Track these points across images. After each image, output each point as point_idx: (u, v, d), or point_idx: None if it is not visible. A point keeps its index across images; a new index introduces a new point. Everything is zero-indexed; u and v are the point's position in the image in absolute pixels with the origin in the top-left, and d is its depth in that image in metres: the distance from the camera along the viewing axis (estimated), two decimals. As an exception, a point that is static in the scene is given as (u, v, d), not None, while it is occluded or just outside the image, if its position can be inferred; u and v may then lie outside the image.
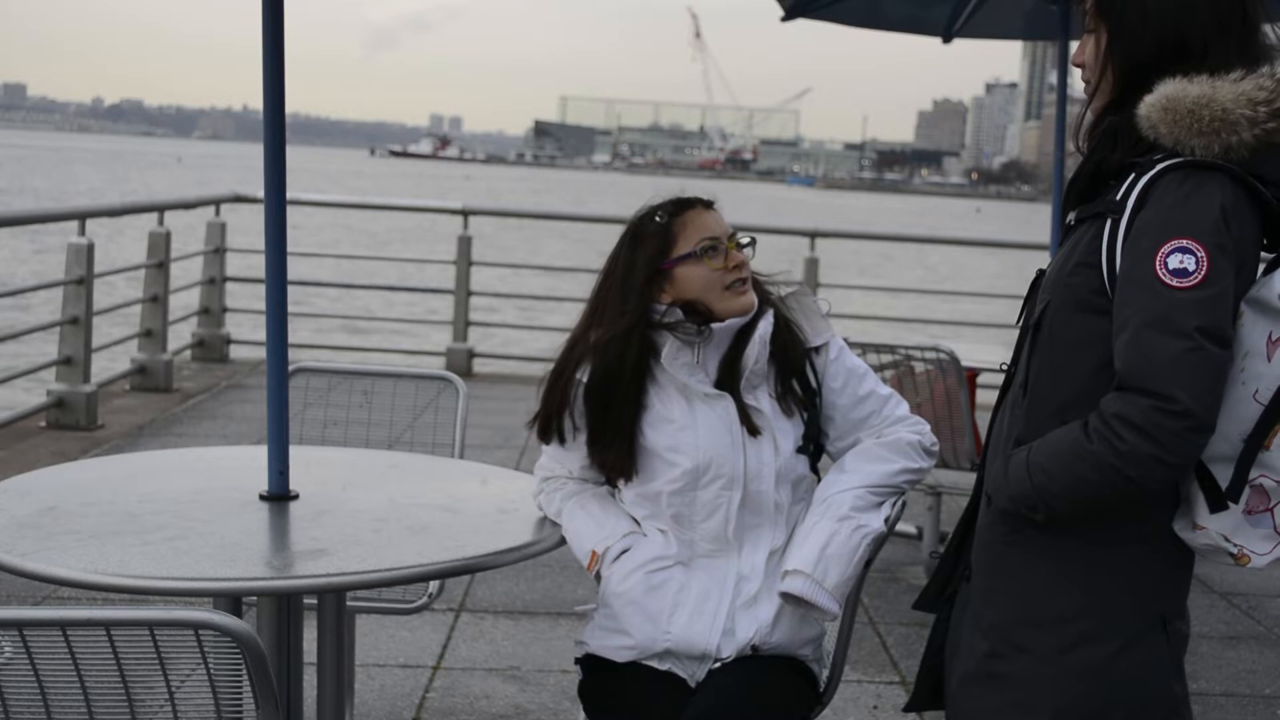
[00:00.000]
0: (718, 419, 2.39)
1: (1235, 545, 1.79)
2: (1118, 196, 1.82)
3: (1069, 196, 1.94)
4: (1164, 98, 1.79)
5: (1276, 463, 1.74)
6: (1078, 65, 1.97)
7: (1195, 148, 1.77)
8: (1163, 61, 1.83)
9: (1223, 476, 1.78)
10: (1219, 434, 1.76)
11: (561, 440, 2.46)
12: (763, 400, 2.41)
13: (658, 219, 2.44)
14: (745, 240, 2.45)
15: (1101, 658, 1.85)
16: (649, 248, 2.42)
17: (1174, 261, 1.73)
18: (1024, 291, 2.06)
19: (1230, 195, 1.76)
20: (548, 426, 2.46)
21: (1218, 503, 1.78)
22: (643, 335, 2.39)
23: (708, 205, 2.47)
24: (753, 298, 2.42)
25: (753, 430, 2.38)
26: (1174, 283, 1.73)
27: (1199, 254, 1.73)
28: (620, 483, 2.48)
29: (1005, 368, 2.06)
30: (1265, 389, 1.74)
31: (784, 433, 2.41)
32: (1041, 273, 2.03)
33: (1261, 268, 1.83)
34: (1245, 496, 1.76)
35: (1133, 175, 1.82)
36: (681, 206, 2.45)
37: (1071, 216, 1.93)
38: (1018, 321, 2.04)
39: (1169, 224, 1.75)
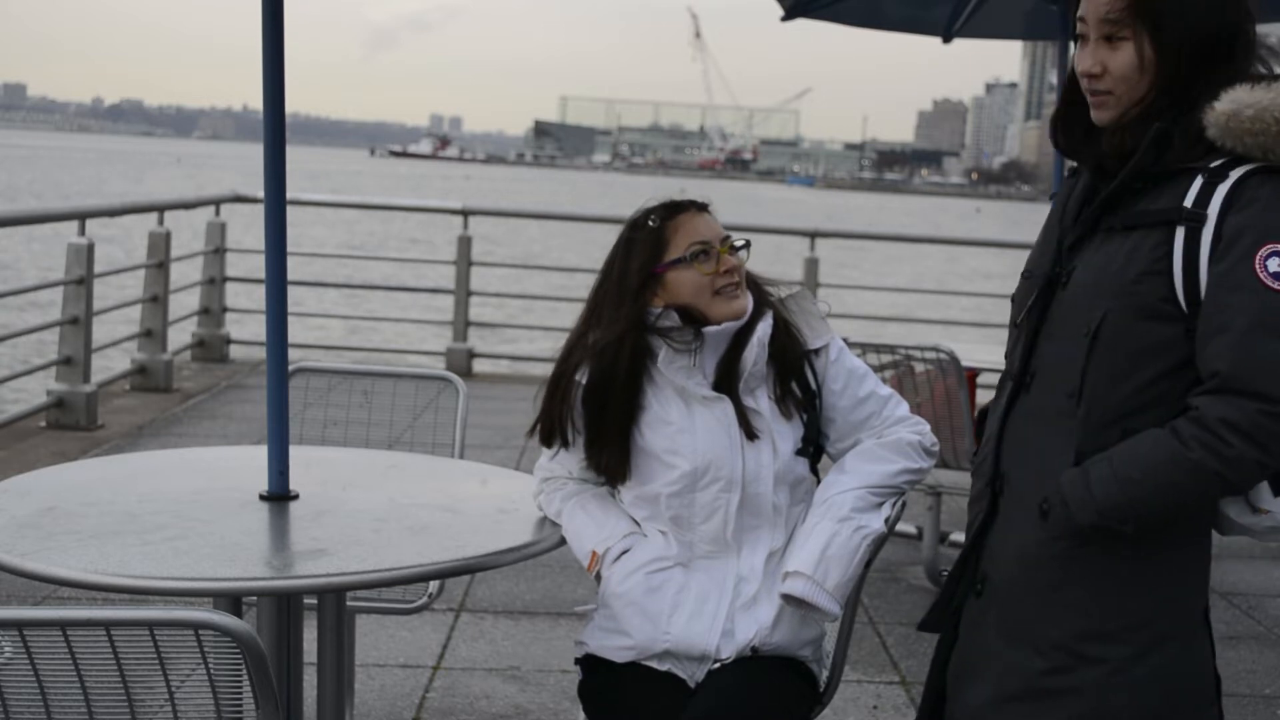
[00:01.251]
0: (716, 421, 2.39)
1: None
2: (1188, 204, 1.81)
3: (1106, 201, 1.90)
4: (1237, 104, 1.78)
5: None
6: (1091, 74, 1.91)
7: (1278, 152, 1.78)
8: (1200, 64, 1.83)
9: None
10: None
11: (564, 444, 2.47)
12: (761, 402, 2.41)
13: (650, 223, 2.44)
14: (740, 243, 2.45)
15: (1170, 660, 1.88)
16: (642, 252, 2.42)
17: (1275, 264, 1.74)
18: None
19: None
20: (550, 432, 2.46)
21: None
22: (637, 339, 2.39)
23: (701, 208, 2.47)
24: (745, 302, 2.42)
25: (751, 433, 2.38)
26: (1276, 286, 1.74)
27: None
28: (618, 484, 2.48)
29: (1007, 367, 2.04)
30: None
31: (783, 435, 2.41)
32: (1029, 274, 2.01)
33: None
34: None
35: (1199, 180, 1.81)
36: (674, 210, 2.45)
37: (1116, 221, 1.89)
38: (1015, 322, 2.03)
39: (1268, 228, 1.75)
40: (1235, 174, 1.79)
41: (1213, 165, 1.80)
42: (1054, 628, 1.91)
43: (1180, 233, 1.80)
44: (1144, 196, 1.86)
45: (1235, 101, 1.79)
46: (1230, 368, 1.74)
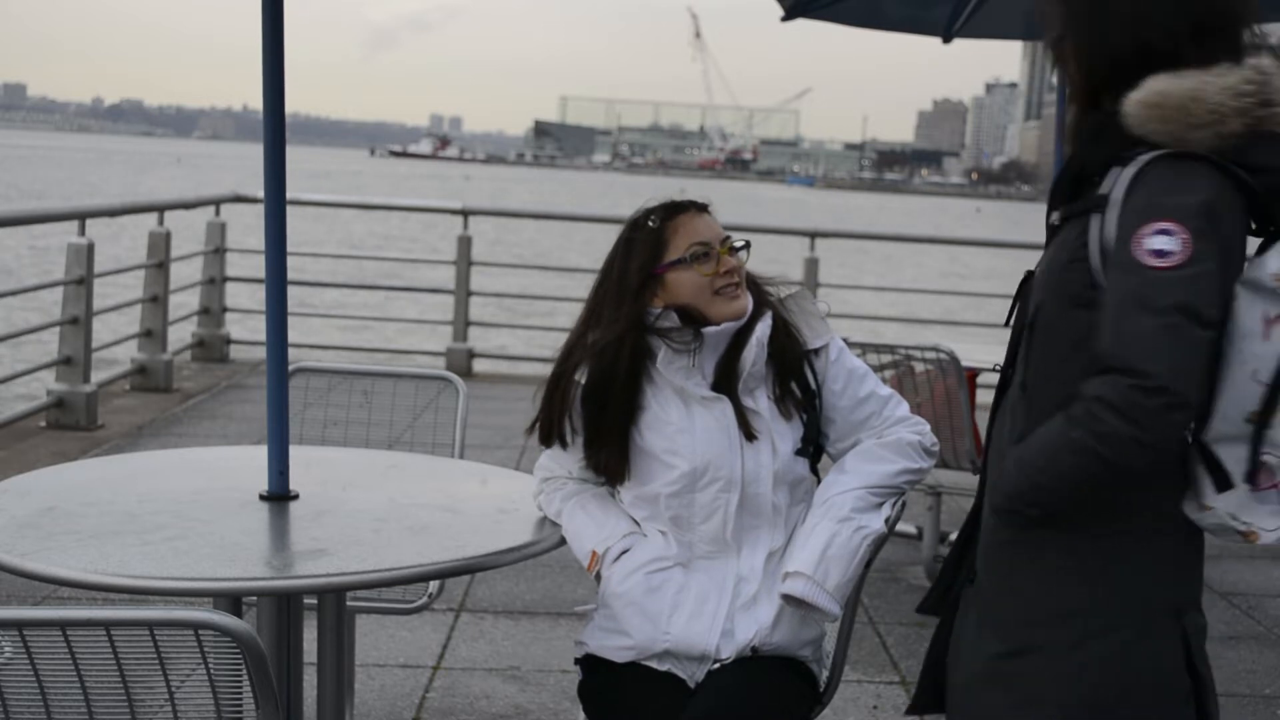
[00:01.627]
0: (715, 422, 2.39)
1: (1243, 523, 1.78)
2: (1103, 192, 1.83)
3: (1053, 196, 1.94)
4: (1153, 94, 1.79)
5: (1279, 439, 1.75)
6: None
7: (1190, 141, 1.77)
8: (1130, 62, 1.84)
9: (1227, 457, 1.77)
10: (1220, 415, 1.75)
11: (563, 444, 2.47)
12: (761, 402, 2.41)
13: (650, 223, 2.44)
14: (739, 244, 2.45)
15: (1111, 652, 1.85)
16: (642, 252, 2.42)
17: (1154, 243, 1.73)
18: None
19: (1216, 185, 1.76)
20: (549, 431, 2.47)
21: (1223, 483, 1.77)
22: (637, 340, 2.39)
23: (701, 209, 2.47)
24: (745, 302, 2.42)
25: (750, 433, 2.38)
26: (1153, 263, 1.73)
27: (1181, 236, 1.73)
28: (618, 484, 2.48)
29: (999, 369, 2.06)
30: (1265, 369, 1.74)
31: (782, 435, 2.41)
32: (1030, 274, 2.03)
33: (1254, 249, 1.83)
34: (1246, 473, 1.77)
35: (1116, 169, 1.82)
36: (673, 211, 2.45)
37: (1055, 216, 1.93)
38: (1007, 322, 2.05)
39: (1151, 208, 1.75)
40: (1145, 159, 1.79)
41: (1136, 153, 1.81)
42: (1007, 611, 1.92)
43: (1095, 220, 1.82)
44: (1092, 189, 1.88)
45: (1149, 90, 1.80)
46: (1105, 345, 1.75)
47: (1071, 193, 1.91)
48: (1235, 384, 1.75)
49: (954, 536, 5.78)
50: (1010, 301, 2.06)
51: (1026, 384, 1.91)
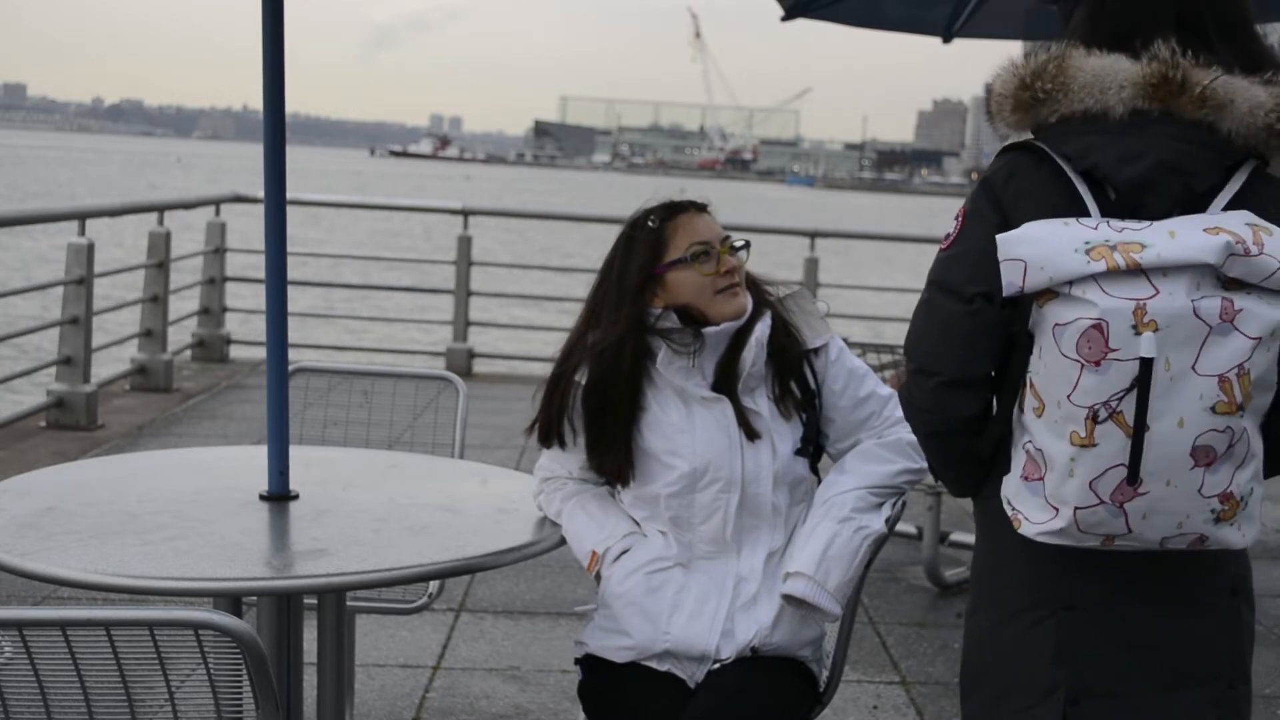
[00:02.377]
0: (715, 422, 2.39)
1: (1014, 509, 1.74)
2: None
3: None
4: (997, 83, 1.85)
5: (1041, 432, 1.67)
6: None
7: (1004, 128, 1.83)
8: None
9: (1015, 443, 1.75)
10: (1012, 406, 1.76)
11: (562, 444, 2.47)
12: (761, 402, 2.41)
13: (650, 223, 2.44)
14: (739, 244, 2.45)
15: (983, 628, 1.89)
16: (642, 252, 2.42)
17: (949, 227, 1.83)
18: None
19: (1008, 168, 1.79)
20: (548, 431, 2.47)
21: (1006, 467, 1.77)
22: (637, 340, 2.39)
23: (701, 209, 2.47)
24: (744, 301, 2.42)
25: (750, 433, 2.38)
26: (942, 246, 1.82)
27: (959, 219, 1.81)
28: (618, 485, 2.48)
29: None
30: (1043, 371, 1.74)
31: (782, 435, 2.41)
32: None
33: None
34: (1022, 463, 1.72)
35: None
36: (673, 211, 2.45)
37: None
38: None
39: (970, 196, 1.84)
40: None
41: None
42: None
43: None
44: None
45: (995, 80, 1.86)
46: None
47: None
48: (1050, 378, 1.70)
49: (955, 536, 5.79)
50: None
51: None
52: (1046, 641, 1.80)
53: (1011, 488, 1.74)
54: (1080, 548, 1.71)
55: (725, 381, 2.41)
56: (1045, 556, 1.77)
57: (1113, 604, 1.80)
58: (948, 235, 1.80)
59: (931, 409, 1.80)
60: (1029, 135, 1.81)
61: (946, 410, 1.78)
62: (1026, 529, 1.71)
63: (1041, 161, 1.77)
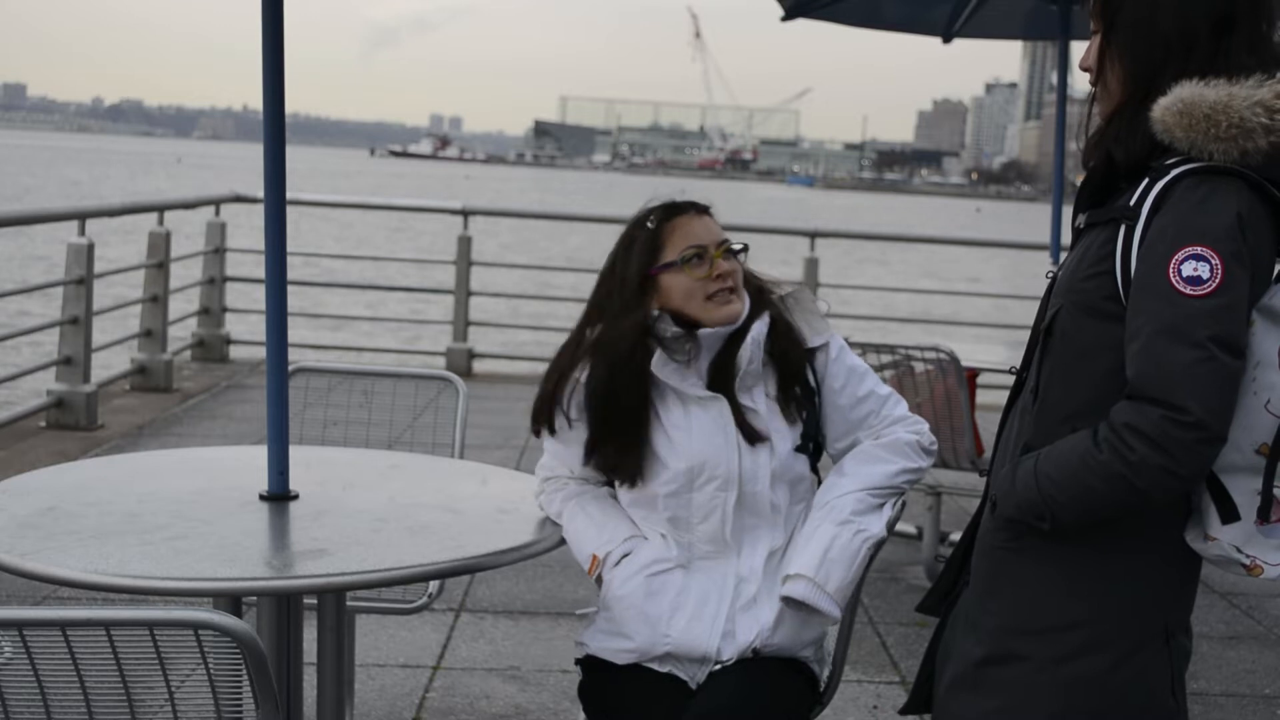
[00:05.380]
0: (712, 421, 2.38)
1: (1248, 556, 1.77)
2: (1131, 202, 1.80)
3: (1080, 200, 1.91)
4: (1179, 101, 1.76)
5: None
6: (1085, 69, 1.95)
7: (1213, 153, 1.75)
8: (1170, 62, 1.82)
9: (1235, 488, 1.75)
10: (1231, 444, 1.73)
11: (552, 431, 2.46)
12: (759, 401, 2.41)
13: (649, 224, 2.43)
14: (737, 247, 2.44)
15: (1100, 669, 1.83)
16: (640, 253, 2.41)
17: (1188, 269, 1.70)
18: (1024, 291, 2.06)
19: (1246, 201, 1.74)
20: (539, 417, 2.46)
21: (1229, 514, 1.75)
22: (641, 340, 2.39)
23: (701, 210, 2.46)
24: (738, 307, 2.40)
25: (748, 431, 2.38)
26: (1188, 291, 1.70)
27: (1213, 261, 1.70)
28: (618, 485, 2.47)
29: (1015, 371, 2.05)
30: (1278, 400, 1.72)
31: (780, 433, 2.40)
32: (1049, 275, 2.02)
33: (1277, 273, 1.81)
34: (1256, 506, 1.74)
35: (1146, 180, 1.80)
36: (672, 212, 2.44)
37: (1081, 220, 1.90)
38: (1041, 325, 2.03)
39: (1184, 230, 1.72)
40: (1174, 172, 1.77)
41: (1166, 163, 1.80)
42: (990, 617, 1.92)
43: (1121, 230, 1.80)
44: (1119, 196, 1.86)
45: (1175, 97, 1.78)
46: (1136, 374, 1.73)
47: (1099, 197, 1.88)
48: (1248, 413, 1.73)
49: (954, 536, 5.78)
50: (1040, 303, 2.05)
51: (1039, 389, 1.89)
52: (1166, 672, 1.86)
53: (1240, 535, 1.76)
54: (1188, 578, 1.87)
55: (721, 380, 2.40)
56: (1161, 589, 1.85)
57: (1188, 626, 1.92)
58: (1200, 279, 1.71)
59: (1190, 460, 1.73)
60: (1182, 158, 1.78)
61: (1202, 463, 1.74)
62: (1270, 573, 1.77)
63: (1254, 192, 1.76)
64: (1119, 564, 1.84)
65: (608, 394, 2.39)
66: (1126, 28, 1.86)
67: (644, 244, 2.42)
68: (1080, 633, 1.84)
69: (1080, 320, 1.84)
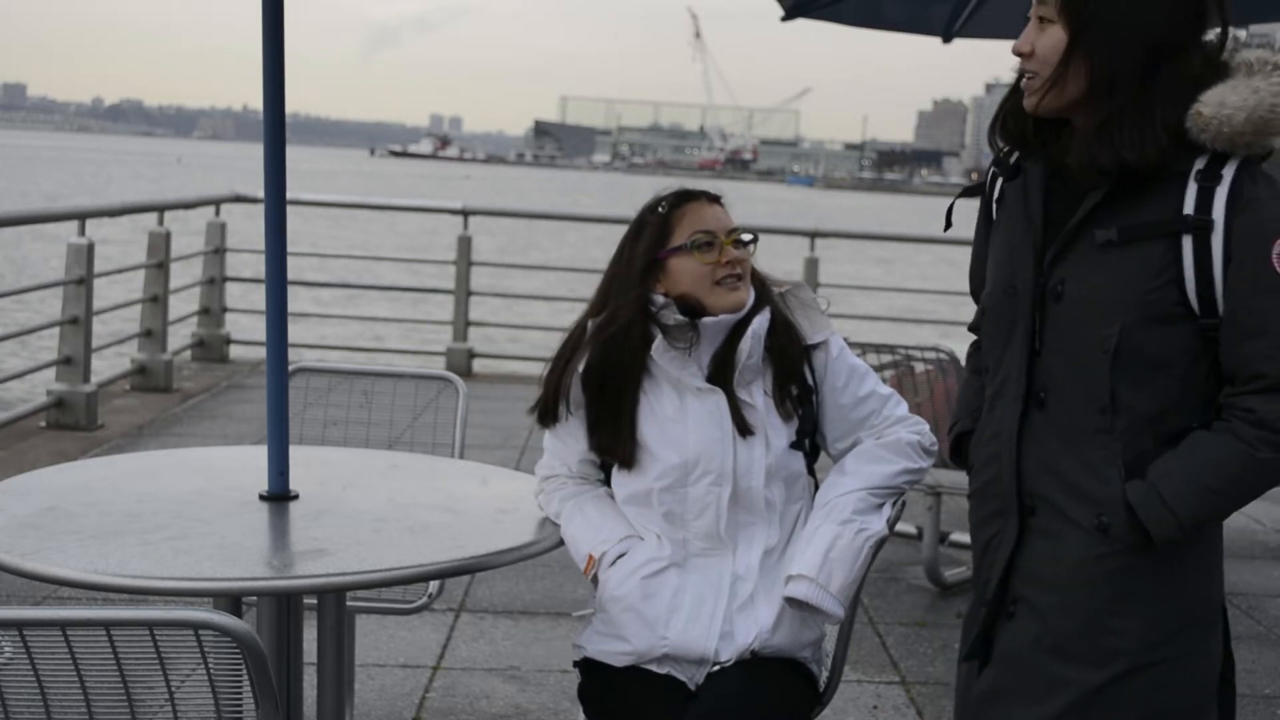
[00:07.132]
0: (708, 414, 2.38)
1: None
2: (1189, 210, 1.82)
3: (1103, 212, 1.89)
4: (1236, 108, 1.79)
5: None
6: (1021, 54, 1.94)
7: (1268, 148, 1.81)
8: (1150, 66, 1.84)
9: None
10: None
11: (555, 420, 2.46)
12: (756, 396, 2.40)
13: (660, 209, 2.45)
14: (747, 238, 2.45)
15: (1208, 649, 1.95)
16: (649, 237, 2.42)
17: None
18: None
19: None
20: (545, 410, 2.47)
21: None
22: (641, 324, 2.39)
23: (713, 199, 2.47)
24: (744, 295, 2.41)
25: (743, 426, 2.38)
26: None
27: None
28: (614, 481, 2.47)
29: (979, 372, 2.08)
30: None
31: (776, 429, 2.40)
32: (1011, 290, 1.98)
33: None
34: None
35: (1192, 186, 1.83)
36: (684, 199, 2.46)
37: (1111, 233, 1.87)
38: (1002, 337, 2.01)
39: (1273, 222, 1.80)
40: (1227, 175, 1.81)
41: (1200, 168, 1.83)
42: (1117, 639, 1.91)
43: (1188, 241, 1.82)
44: (1129, 204, 1.86)
45: (1220, 105, 1.80)
46: (1278, 369, 1.80)
47: (1118, 204, 1.87)
48: None
49: (954, 536, 5.77)
50: (1000, 317, 2.02)
51: (1116, 407, 1.88)
52: (1226, 635, 2.02)
53: None
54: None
55: (720, 373, 2.40)
56: (1220, 567, 1.98)
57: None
58: None
59: None
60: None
61: None
62: None
63: None
64: (1208, 546, 1.95)
65: (605, 375, 2.39)
66: (1104, 29, 1.85)
67: (654, 228, 2.42)
68: (1197, 625, 1.93)
69: (1149, 331, 1.86)
